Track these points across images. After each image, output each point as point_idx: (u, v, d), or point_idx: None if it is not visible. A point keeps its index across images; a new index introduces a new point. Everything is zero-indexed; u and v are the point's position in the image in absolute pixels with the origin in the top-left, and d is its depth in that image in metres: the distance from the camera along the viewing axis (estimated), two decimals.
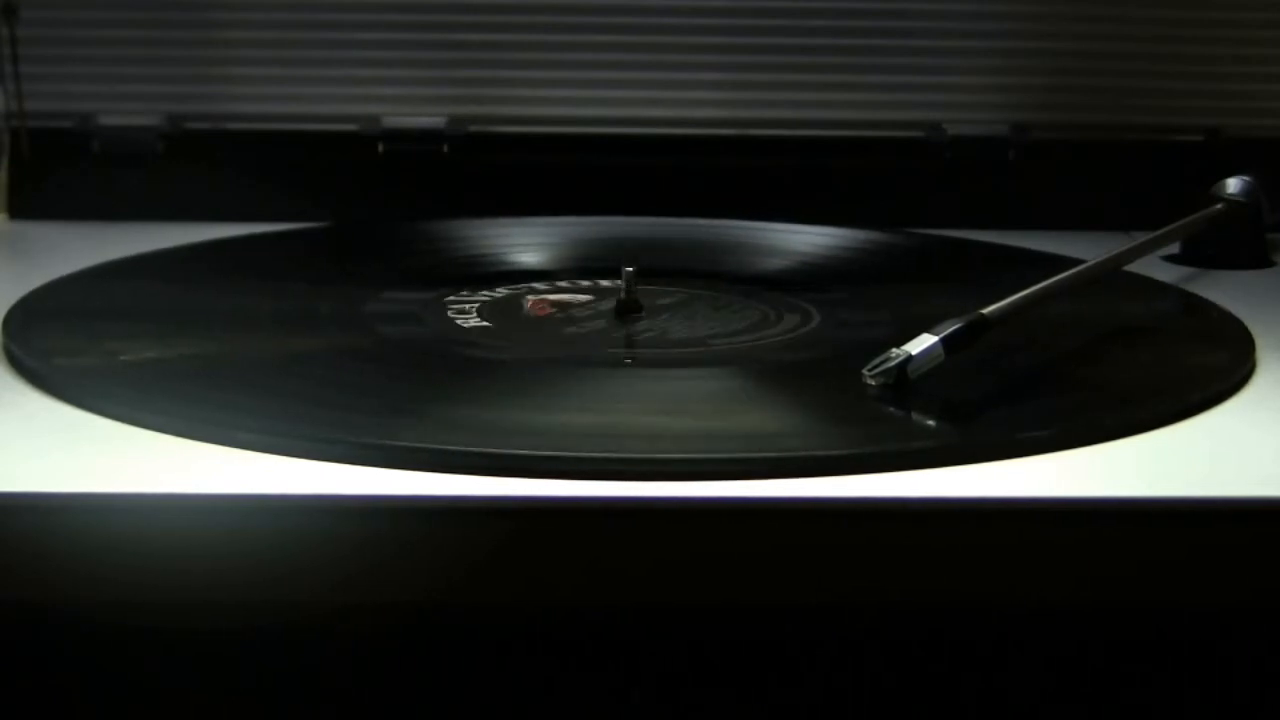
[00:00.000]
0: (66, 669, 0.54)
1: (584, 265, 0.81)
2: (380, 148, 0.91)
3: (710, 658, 0.55)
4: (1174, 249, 0.84)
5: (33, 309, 0.71)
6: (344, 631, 0.54)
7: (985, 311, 0.64)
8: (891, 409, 0.61)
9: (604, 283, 0.77)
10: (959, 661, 0.55)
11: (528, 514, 0.53)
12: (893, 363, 0.61)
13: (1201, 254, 0.84)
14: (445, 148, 0.91)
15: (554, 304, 0.74)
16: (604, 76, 0.92)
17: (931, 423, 0.61)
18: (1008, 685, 0.56)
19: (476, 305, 0.74)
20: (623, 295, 0.72)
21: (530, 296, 0.75)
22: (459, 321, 0.71)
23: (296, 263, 0.82)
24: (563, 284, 0.77)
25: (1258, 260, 0.84)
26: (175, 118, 0.91)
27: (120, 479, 0.54)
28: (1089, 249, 0.75)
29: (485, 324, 0.71)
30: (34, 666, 0.54)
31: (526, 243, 0.84)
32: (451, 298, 0.74)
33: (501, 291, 0.76)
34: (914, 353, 0.61)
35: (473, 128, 0.92)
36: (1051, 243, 0.85)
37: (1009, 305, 0.65)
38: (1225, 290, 0.78)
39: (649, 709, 0.55)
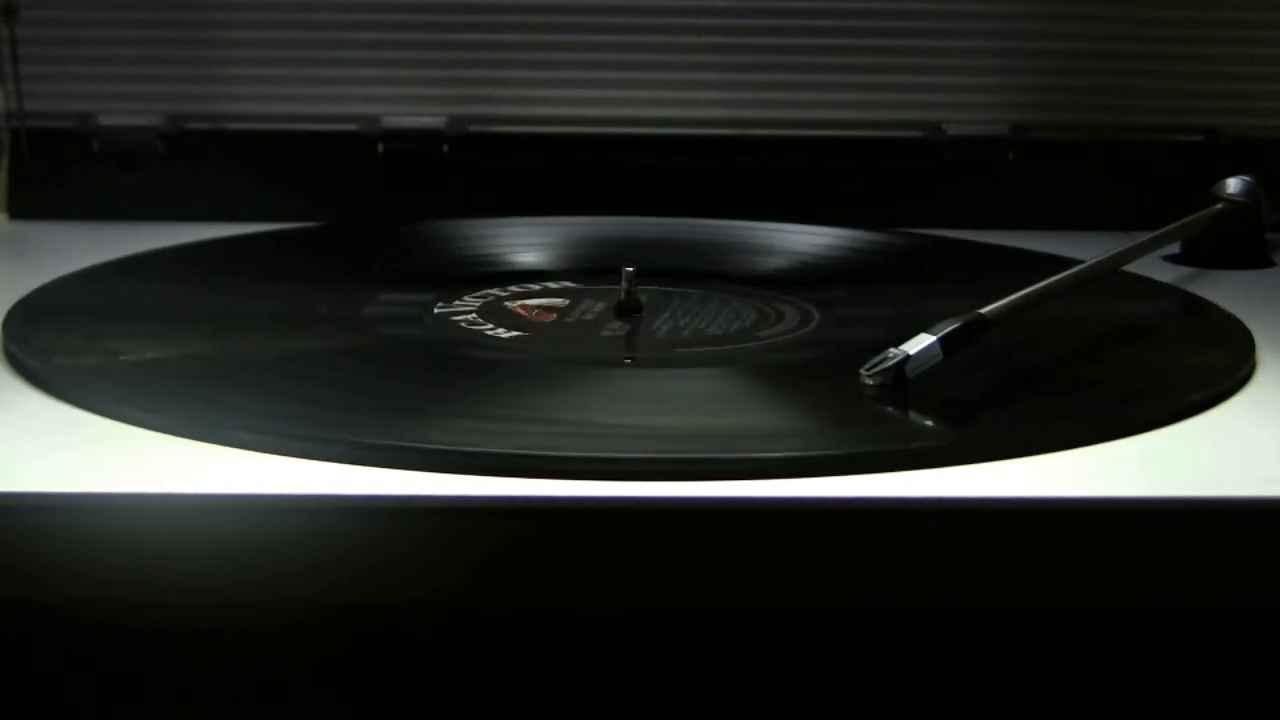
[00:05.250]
0: (66, 669, 0.54)
1: (584, 265, 0.81)
2: (380, 148, 0.91)
3: (711, 657, 0.55)
4: (1174, 249, 0.84)
5: (33, 309, 0.71)
6: (344, 631, 0.54)
7: (984, 311, 0.64)
8: (890, 409, 0.61)
9: (593, 287, 0.77)
10: (959, 661, 0.55)
11: (528, 514, 0.53)
12: (890, 363, 0.61)
13: (1201, 254, 0.84)
14: (445, 148, 0.91)
15: (542, 308, 0.74)
16: (604, 76, 0.92)
17: (930, 423, 0.61)
18: (1007, 685, 0.56)
19: (476, 305, 0.74)
20: (622, 295, 0.72)
21: (512, 304, 0.74)
22: (458, 321, 0.71)
23: (296, 263, 0.82)
24: (546, 286, 0.77)
25: (1258, 260, 0.84)
26: (175, 118, 0.91)
27: (120, 479, 0.54)
28: (1089, 249, 0.75)
29: (485, 324, 0.71)
30: (34, 666, 0.54)
31: (526, 243, 0.84)
32: (451, 298, 0.74)
33: (501, 292, 0.76)
34: (911, 352, 0.61)
35: (473, 128, 0.92)
36: (1051, 243, 0.84)
37: (1008, 305, 0.65)
38: (1225, 290, 0.78)
39: (649, 709, 0.55)
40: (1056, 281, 0.69)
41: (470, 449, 0.55)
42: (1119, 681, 0.56)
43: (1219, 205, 0.84)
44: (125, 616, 0.53)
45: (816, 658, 0.55)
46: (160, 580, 0.52)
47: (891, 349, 0.62)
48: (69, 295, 0.74)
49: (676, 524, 0.53)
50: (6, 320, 0.69)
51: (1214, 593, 0.54)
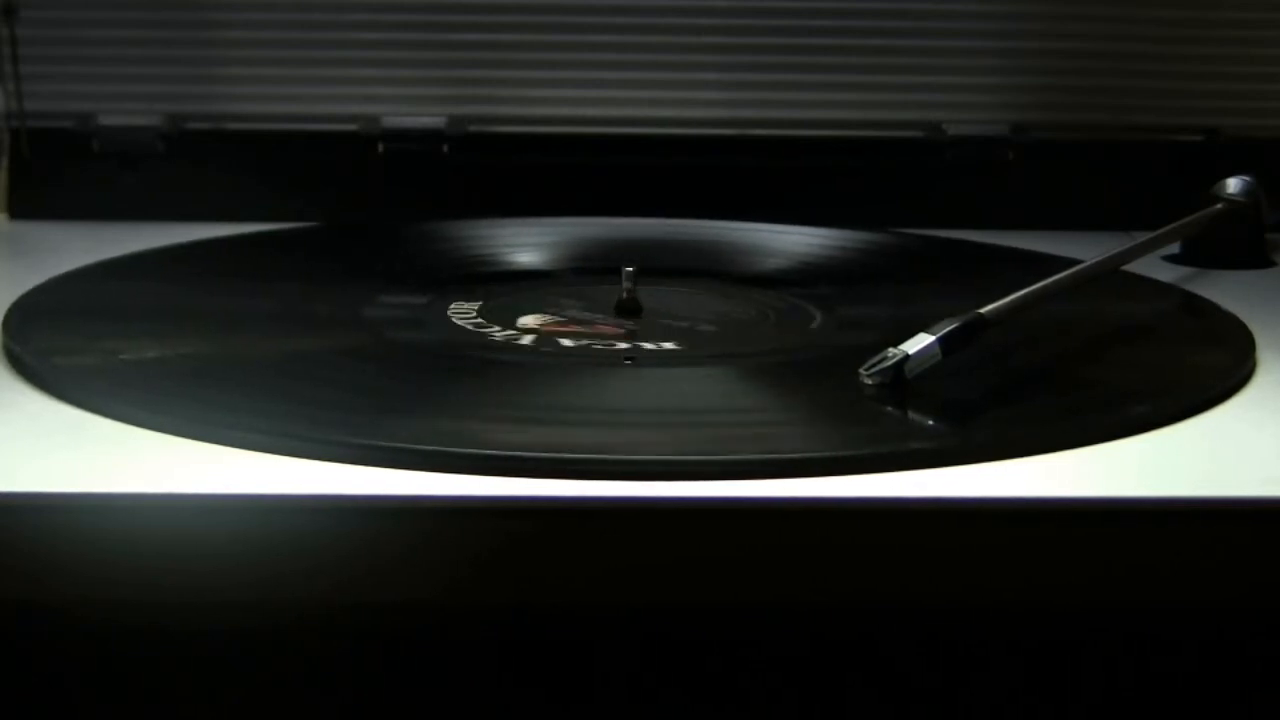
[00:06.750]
0: (66, 669, 0.54)
1: (584, 265, 0.81)
2: (380, 148, 0.91)
3: (710, 657, 0.55)
4: (1174, 249, 0.84)
5: (33, 309, 0.71)
6: (344, 631, 0.54)
7: (983, 311, 0.64)
8: (890, 409, 0.61)
9: (593, 287, 0.76)
10: (957, 661, 0.55)
11: (527, 514, 0.53)
12: (889, 362, 0.61)
13: (1201, 254, 0.84)
14: (445, 148, 0.91)
15: (557, 324, 0.73)
16: (604, 76, 0.92)
17: (930, 423, 0.61)
18: (1006, 685, 0.56)
19: (476, 306, 0.73)
20: (623, 295, 0.72)
21: (528, 320, 0.74)
22: (459, 322, 0.71)
23: (296, 263, 0.82)
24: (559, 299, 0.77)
25: (1258, 260, 0.84)
26: (175, 118, 0.91)
27: (120, 479, 0.54)
28: (1089, 249, 0.75)
29: (485, 324, 0.71)
30: (34, 666, 0.54)
31: (526, 243, 0.84)
32: (451, 298, 0.74)
33: (502, 292, 0.76)
34: (911, 352, 0.61)
35: (473, 128, 0.92)
36: (1051, 243, 0.84)
37: (1007, 305, 0.65)
38: (1225, 290, 0.78)
39: (649, 708, 0.55)
40: (1056, 281, 0.69)
41: (470, 449, 0.55)
42: (1119, 681, 0.56)
43: (1219, 205, 0.84)
44: (125, 616, 0.53)
45: (816, 658, 0.55)
46: (160, 580, 0.52)
47: (891, 349, 0.62)
48: (69, 295, 0.74)
49: (677, 524, 0.53)
50: (6, 320, 0.69)
51: (1214, 593, 0.54)
